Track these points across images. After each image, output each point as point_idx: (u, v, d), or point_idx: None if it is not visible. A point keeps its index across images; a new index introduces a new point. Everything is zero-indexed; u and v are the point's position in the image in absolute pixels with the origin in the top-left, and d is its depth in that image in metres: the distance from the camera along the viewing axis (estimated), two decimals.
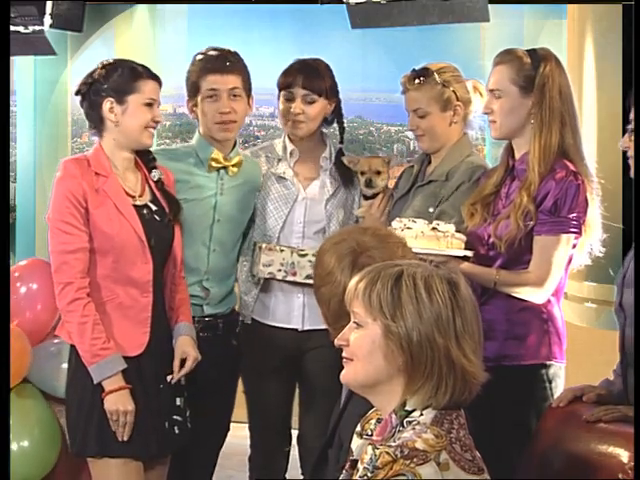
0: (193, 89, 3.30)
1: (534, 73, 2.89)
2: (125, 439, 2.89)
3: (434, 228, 2.82)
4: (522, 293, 2.89)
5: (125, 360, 2.92)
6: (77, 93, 3.03)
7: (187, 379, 3.08)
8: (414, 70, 3.21)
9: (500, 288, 2.89)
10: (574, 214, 2.85)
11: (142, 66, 3.03)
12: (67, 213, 2.90)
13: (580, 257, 2.97)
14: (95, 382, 2.89)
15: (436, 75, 3.18)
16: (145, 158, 3.09)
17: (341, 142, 3.48)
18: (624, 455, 2.31)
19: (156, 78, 3.02)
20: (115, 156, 3.01)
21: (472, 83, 3.25)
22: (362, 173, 3.37)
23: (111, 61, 3.05)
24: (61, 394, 3.15)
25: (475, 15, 3.80)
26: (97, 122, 3.01)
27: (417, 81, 3.17)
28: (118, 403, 2.87)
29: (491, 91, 2.95)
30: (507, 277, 2.88)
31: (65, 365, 3.07)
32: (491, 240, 2.91)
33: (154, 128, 3.02)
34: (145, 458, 2.97)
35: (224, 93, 3.24)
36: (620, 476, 2.30)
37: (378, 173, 3.36)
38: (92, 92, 2.99)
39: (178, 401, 3.05)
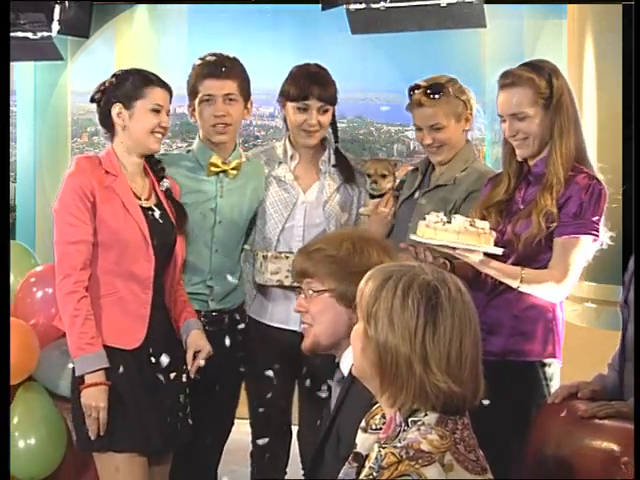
0: (192, 93, 3.37)
1: (550, 90, 2.94)
2: (92, 438, 2.91)
3: (471, 224, 2.84)
4: (543, 291, 2.92)
5: (124, 354, 2.96)
6: (92, 100, 3.14)
7: (189, 375, 3.10)
8: (425, 87, 3.25)
9: (524, 286, 2.91)
10: (596, 217, 2.90)
11: (152, 74, 3.11)
12: (73, 206, 2.96)
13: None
14: (76, 374, 2.93)
15: (450, 88, 3.24)
16: (155, 167, 3.18)
17: (336, 141, 3.51)
18: (617, 450, 2.35)
19: (165, 86, 3.10)
20: (125, 159, 3.09)
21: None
22: (369, 175, 3.43)
23: (123, 70, 3.14)
24: (68, 393, 3.15)
25: (472, 21, 3.88)
26: (109, 127, 3.11)
27: (434, 97, 3.23)
28: (91, 398, 2.90)
29: (512, 115, 2.96)
30: (531, 275, 2.90)
31: (71, 365, 3.07)
32: (506, 237, 2.94)
33: (161, 134, 3.09)
34: (149, 452, 2.99)
35: (219, 98, 3.31)
36: (613, 470, 2.32)
37: (383, 176, 3.41)
38: (104, 99, 3.09)
39: (181, 397, 3.08)
